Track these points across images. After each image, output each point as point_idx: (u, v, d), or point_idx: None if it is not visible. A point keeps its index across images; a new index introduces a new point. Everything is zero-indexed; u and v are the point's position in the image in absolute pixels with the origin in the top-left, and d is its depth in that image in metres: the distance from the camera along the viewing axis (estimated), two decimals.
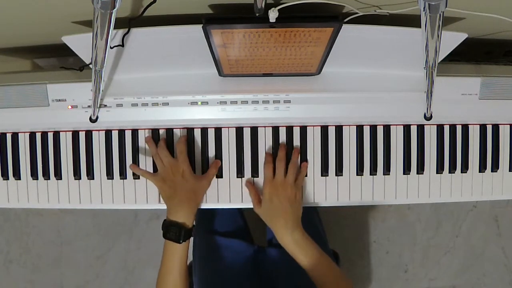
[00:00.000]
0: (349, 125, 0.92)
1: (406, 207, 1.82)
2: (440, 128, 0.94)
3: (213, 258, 1.02)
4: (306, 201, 0.93)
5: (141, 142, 0.92)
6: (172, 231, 0.82)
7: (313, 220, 1.10)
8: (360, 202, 0.94)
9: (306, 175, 0.92)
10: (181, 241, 0.81)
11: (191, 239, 0.85)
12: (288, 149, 0.91)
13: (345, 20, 0.73)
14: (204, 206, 0.94)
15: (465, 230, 1.83)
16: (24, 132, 0.93)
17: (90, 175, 0.92)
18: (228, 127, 0.92)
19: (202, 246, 1.05)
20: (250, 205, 0.92)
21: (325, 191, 0.93)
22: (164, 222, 0.84)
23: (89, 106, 0.87)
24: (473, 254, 1.84)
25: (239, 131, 0.92)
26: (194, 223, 0.86)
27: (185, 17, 0.81)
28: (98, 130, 0.92)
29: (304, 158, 0.92)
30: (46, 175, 0.93)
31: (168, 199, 0.85)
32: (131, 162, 0.92)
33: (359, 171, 0.93)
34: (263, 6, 0.67)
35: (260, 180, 0.92)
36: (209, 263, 1.02)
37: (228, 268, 1.00)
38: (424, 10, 0.61)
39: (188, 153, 0.91)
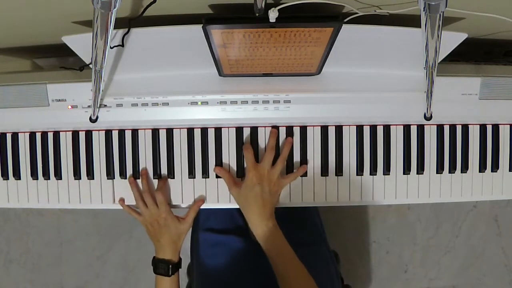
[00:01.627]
0: (349, 125, 0.92)
1: (406, 207, 1.82)
2: (440, 128, 0.94)
3: (211, 255, 1.02)
4: (306, 201, 0.92)
5: (141, 142, 0.92)
6: (161, 267, 0.89)
7: (313, 220, 1.10)
8: (360, 202, 0.94)
9: (305, 175, 0.92)
10: (170, 275, 0.89)
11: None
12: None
13: (345, 20, 0.73)
14: (204, 206, 0.94)
15: (465, 230, 1.83)
16: (24, 132, 0.93)
17: (90, 175, 0.92)
18: (228, 127, 0.92)
19: (199, 244, 1.06)
20: None
21: (325, 191, 0.93)
22: (153, 260, 0.91)
23: (89, 106, 0.87)
24: (473, 254, 1.84)
25: (239, 131, 0.92)
26: (180, 256, 0.92)
27: (185, 17, 0.81)
28: (98, 130, 0.92)
29: (304, 158, 0.92)
30: (46, 175, 0.93)
31: (154, 239, 0.91)
32: (131, 162, 0.92)
33: (359, 171, 0.93)
34: (263, 6, 0.67)
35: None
36: (207, 261, 1.02)
37: (225, 265, 1.00)
38: (424, 10, 0.61)
39: (188, 153, 0.91)
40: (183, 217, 0.92)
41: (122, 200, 0.92)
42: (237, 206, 0.92)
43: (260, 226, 0.84)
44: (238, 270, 0.99)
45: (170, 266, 0.89)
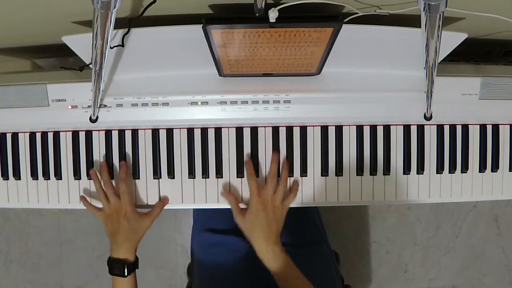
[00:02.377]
0: (349, 125, 0.92)
1: (406, 207, 1.82)
2: (440, 128, 0.94)
3: (211, 255, 1.02)
4: (306, 201, 0.93)
5: (141, 142, 0.92)
6: (116, 267, 0.86)
7: (314, 220, 1.10)
8: (360, 202, 0.94)
9: (305, 176, 0.92)
10: (126, 275, 0.86)
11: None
12: (285, 153, 0.91)
13: (345, 20, 0.73)
14: (204, 206, 0.94)
15: (465, 230, 1.83)
16: (24, 132, 0.93)
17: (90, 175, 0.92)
18: (228, 127, 0.92)
19: (199, 245, 1.06)
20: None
21: (325, 191, 0.93)
22: (108, 260, 0.88)
23: (89, 106, 0.87)
24: (473, 254, 1.84)
25: (239, 131, 0.92)
26: (137, 255, 0.90)
27: (185, 17, 0.81)
28: (98, 130, 0.92)
29: (304, 158, 0.92)
30: (46, 175, 0.93)
31: (111, 236, 0.88)
32: (131, 163, 0.92)
33: (359, 171, 0.93)
34: (263, 6, 0.67)
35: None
36: (207, 261, 1.02)
37: (226, 265, 1.00)
38: (424, 10, 0.61)
39: (188, 154, 0.92)
40: (146, 213, 0.90)
41: (83, 197, 0.92)
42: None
43: (266, 251, 0.84)
44: (238, 270, 0.99)
45: (126, 266, 0.86)
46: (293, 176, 0.92)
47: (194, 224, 1.13)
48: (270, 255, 0.84)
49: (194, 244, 1.08)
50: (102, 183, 0.90)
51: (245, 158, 0.91)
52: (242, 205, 0.91)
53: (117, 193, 0.88)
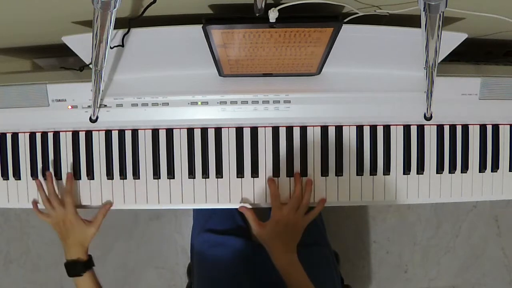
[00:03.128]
0: (349, 125, 0.92)
1: (406, 207, 1.82)
2: (440, 128, 0.94)
3: (211, 256, 1.02)
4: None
5: (141, 142, 0.92)
6: (72, 268, 0.89)
7: (315, 221, 1.10)
8: (360, 202, 0.94)
9: (305, 176, 0.92)
10: (82, 274, 0.89)
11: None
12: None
13: (345, 20, 0.73)
14: (204, 206, 0.94)
15: (465, 230, 1.83)
16: (24, 132, 0.93)
17: (90, 175, 0.92)
18: (228, 127, 0.92)
19: (199, 245, 1.06)
20: (251, 205, 0.92)
21: (325, 191, 0.93)
22: (65, 264, 0.91)
23: (89, 106, 0.87)
24: (473, 254, 1.84)
25: (239, 131, 0.92)
26: (90, 254, 0.92)
27: (185, 17, 0.81)
28: (98, 130, 0.92)
29: (304, 158, 0.92)
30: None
31: (62, 240, 0.91)
32: (131, 163, 0.92)
33: (359, 171, 0.93)
34: (263, 6, 0.67)
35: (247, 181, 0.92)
36: (207, 261, 1.02)
37: (226, 266, 1.00)
38: (424, 10, 0.61)
39: (188, 154, 0.92)
40: (91, 220, 0.92)
41: (34, 202, 0.93)
42: (237, 207, 0.92)
43: (283, 259, 0.86)
44: (238, 271, 0.99)
45: (79, 265, 0.89)
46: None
47: (194, 224, 1.13)
48: (286, 263, 0.86)
49: (194, 244, 1.08)
50: (47, 193, 0.91)
51: (268, 177, 0.92)
52: (247, 205, 0.92)
53: (62, 203, 0.90)
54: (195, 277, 1.03)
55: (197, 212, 1.15)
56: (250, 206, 0.92)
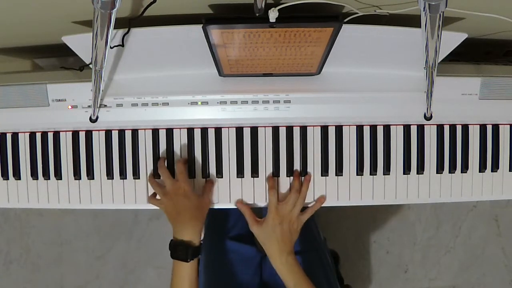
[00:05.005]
0: (349, 125, 0.92)
1: (406, 207, 1.83)
2: (440, 128, 0.94)
3: (221, 261, 1.03)
4: (306, 201, 0.92)
5: (141, 142, 0.92)
6: (180, 250, 0.83)
7: (308, 226, 1.09)
8: (360, 202, 0.94)
9: (304, 176, 0.92)
10: (188, 260, 0.82)
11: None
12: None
13: (345, 20, 0.73)
14: None
15: (465, 230, 1.83)
16: (24, 132, 0.93)
17: (90, 175, 0.92)
18: (228, 127, 0.92)
19: (210, 248, 1.05)
20: (251, 205, 0.92)
21: (325, 191, 0.93)
22: (171, 242, 0.85)
23: (89, 106, 0.87)
24: (473, 254, 1.84)
25: (239, 131, 0.92)
26: (202, 241, 0.86)
27: (185, 17, 0.81)
28: (98, 130, 0.92)
29: (304, 158, 0.92)
30: (46, 175, 0.93)
31: (173, 220, 0.86)
32: (131, 162, 0.92)
33: (359, 171, 0.93)
34: (263, 6, 0.67)
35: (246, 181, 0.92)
36: (216, 266, 1.02)
37: (234, 273, 1.01)
38: (424, 10, 0.61)
39: (188, 154, 0.92)
40: (201, 193, 0.90)
41: (151, 177, 0.90)
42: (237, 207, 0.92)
43: (280, 260, 0.86)
44: (245, 281, 0.99)
45: (190, 250, 0.83)
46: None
47: (206, 227, 1.11)
48: (283, 264, 0.85)
49: (204, 247, 1.06)
50: (158, 168, 0.89)
51: (267, 175, 0.92)
52: (249, 201, 0.92)
53: (171, 177, 0.87)
54: (201, 280, 1.03)
55: (210, 215, 1.14)
56: (247, 202, 0.92)
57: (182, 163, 0.88)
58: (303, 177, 0.92)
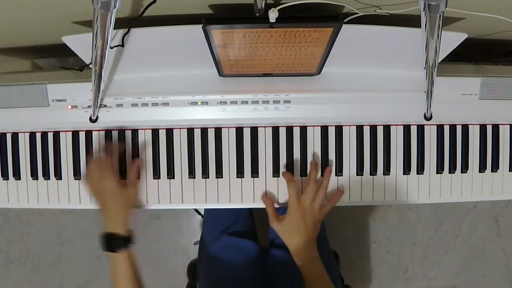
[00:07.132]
0: (349, 125, 0.92)
1: (406, 207, 1.82)
2: (440, 128, 0.94)
3: (221, 257, 1.02)
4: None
5: (141, 142, 0.92)
6: (108, 241, 0.82)
7: None
8: (360, 202, 0.94)
9: (304, 176, 0.92)
10: (116, 250, 0.81)
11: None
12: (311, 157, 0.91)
13: (345, 20, 0.73)
14: (204, 206, 0.94)
15: (465, 230, 1.83)
16: (24, 132, 0.93)
17: None
18: (228, 127, 0.92)
19: (211, 244, 1.05)
20: (250, 205, 0.92)
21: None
22: (102, 236, 0.83)
23: (89, 106, 0.87)
24: (473, 254, 1.84)
25: (239, 131, 0.92)
26: (132, 232, 0.85)
27: (185, 17, 0.81)
28: (98, 130, 0.92)
29: (304, 158, 0.92)
30: (46, 175, 0.93)
31: (103, 208, 0.85)
32: (131, 163, 0.92)
33: (359, 171, 0.93)
34: (263, 6, 0.67)
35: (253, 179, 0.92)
36: (217, 262, 1.02)
37: (234, 268, 1.00)
38: (424, 10, 0.61)
39: (188, 154, 0.92)
40: (124, 182, 0.87)
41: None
42: (237, 207, 0.92)
43: (303, 255, 0.85)
44: (245, 275, 0.99)
45: (121, 239, 0.82)
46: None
47: (212, 225, 1.11)
48: (307, 259, 0.85)
49: (204, 243, 1.07)
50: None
51: (281, 169, 0.92)
52: (249, 201, 0.92)
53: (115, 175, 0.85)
54: (201, 276, 1.03)
55: (209, 212, 1.14)
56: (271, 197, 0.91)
57: (110, 159, 0.86)
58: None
